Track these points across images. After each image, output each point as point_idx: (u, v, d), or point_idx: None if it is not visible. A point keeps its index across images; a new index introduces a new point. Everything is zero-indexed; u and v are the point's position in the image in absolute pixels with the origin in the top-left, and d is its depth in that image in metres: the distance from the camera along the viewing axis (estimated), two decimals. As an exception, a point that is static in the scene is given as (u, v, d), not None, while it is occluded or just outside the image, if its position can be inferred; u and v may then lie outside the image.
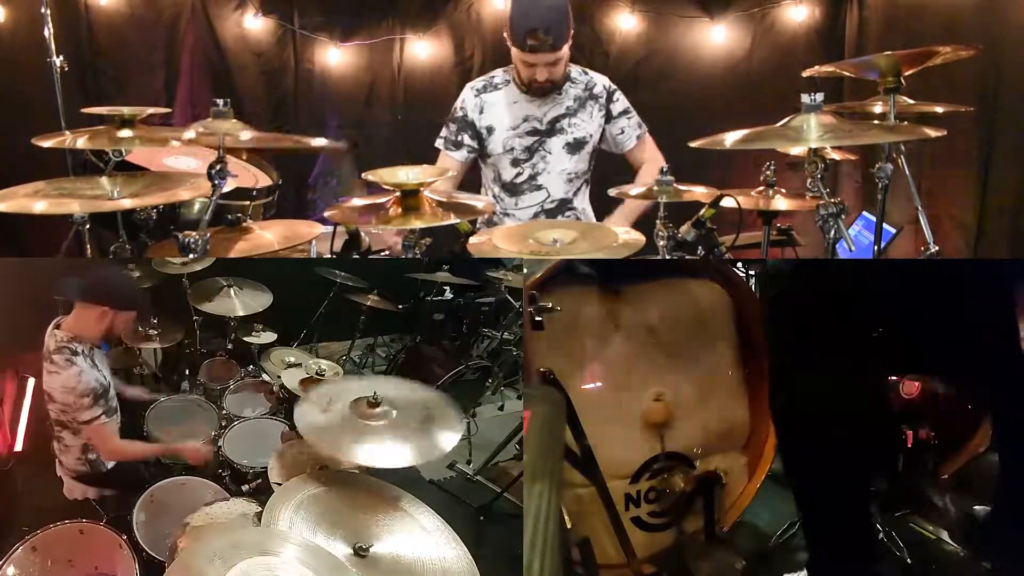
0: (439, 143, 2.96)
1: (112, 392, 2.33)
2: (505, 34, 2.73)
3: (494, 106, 2.89)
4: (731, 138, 1.96)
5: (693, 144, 2.01)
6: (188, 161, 2.71)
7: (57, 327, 2.27)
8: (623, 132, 2.93)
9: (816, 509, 1.91)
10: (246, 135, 1.85)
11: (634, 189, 2.23)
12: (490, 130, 2.89)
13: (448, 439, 1.92)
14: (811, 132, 1.85)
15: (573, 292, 2.02)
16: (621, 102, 2.92)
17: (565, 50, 2.70)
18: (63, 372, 2.19)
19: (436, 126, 3.02)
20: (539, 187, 2.93)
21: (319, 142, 2.27)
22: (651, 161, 2.95)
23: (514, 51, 2.74)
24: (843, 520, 1.88)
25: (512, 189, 2.94)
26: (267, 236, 2.17)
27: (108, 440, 2.26)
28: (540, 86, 2.78)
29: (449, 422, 1.98)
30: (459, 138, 2.91)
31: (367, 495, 1.83)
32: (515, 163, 2.91)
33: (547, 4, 2.65)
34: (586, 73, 2.92)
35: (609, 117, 2.91)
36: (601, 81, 2.91)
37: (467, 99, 2.92)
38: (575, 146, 2.89)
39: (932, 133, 1.92)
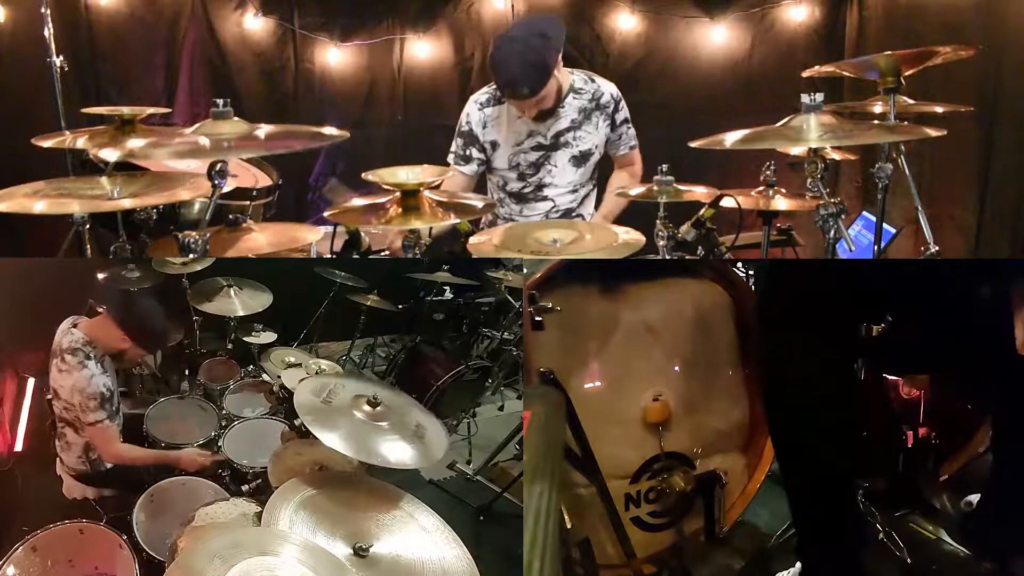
0: (450, 158, 2.94)
1: (116, 397, 2.34)
2: None
3: (497, 121, 2.87)
4: (731, 138, 1.96)
5: (693, 144, 2.00)
6: (188, 161, 2.70)
7: (75, 326, 2.28)
8: (620, 139, 2.93)
9: (811, 509, 1.91)
10: (260, 133, 1.83)
11: (634, 189, 2.23)
12: (494, 145, 2.88)
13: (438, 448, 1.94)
14: (811, 132, 1.85)
15: (573, 292, 2.02)
16: (624, 111, 2.91)
17: (549, 85, 2.66)
18: (74, 372, 2.20)
19: (436, 126, 3.01)
20: (544, 198, 2.93)
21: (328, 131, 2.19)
22: (630, 167, 3.00)
23: None
24: (838, 519, 1.88)
25: (518, 197, 2.94)
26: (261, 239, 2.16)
27: (109, 443, 2.27)
28: (533, 117, 2.80)
29: (437, 437, 2.00)
30: (467, 152, 2.90)
31: (367, 495, 1.83)
32: (521, 177, 2.91)
33: (520, 60, 2.59)
34: (592, 80, 2.87)
35: (613, 125, 2.90)
36: (608, 90, 2.87)
37: (472, 113, 2.89)
38: (581, 159, 2.88)
39: (932, 133, 1.91)
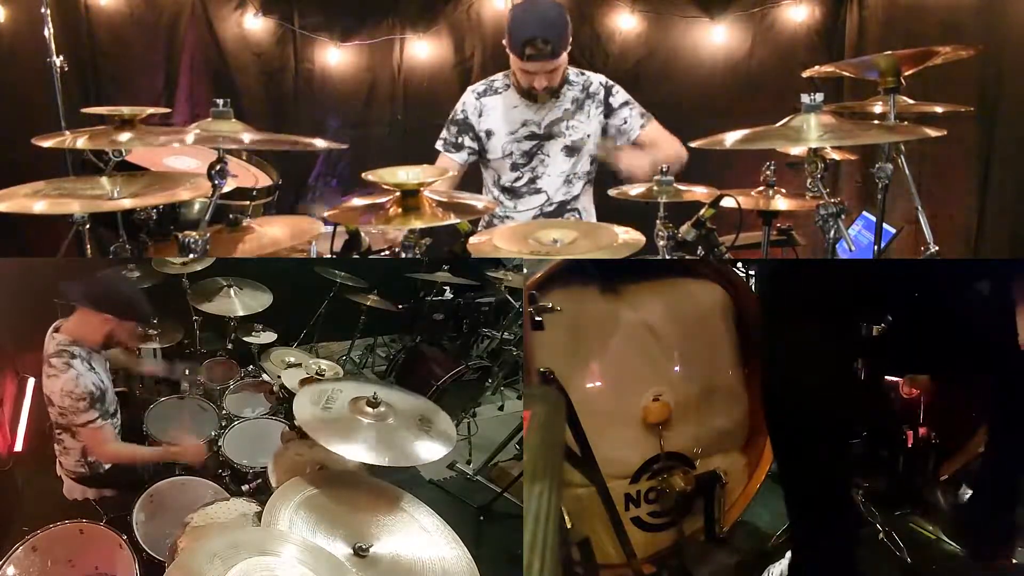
0: (439, 144, 2.96)
1: (110, 396, 2.32)
2: (504, 42, 2.73)
3: (493, 110, 2.89)
4: (731, 138, 1.96)
5: (693, 144, 2.01)
6: (188, 161, 2.71)
7: (56, 330, 2.27)
8: (626, 122, 2.91)
9: (808, 510, 1.91)
10: (246, 137, 1.84)
11: (634, 189, 2.23)
12: (489, 134, 2.90)
13: (439, 449, 1.94)
14: (811, 132, 1.85)
15: (573, 292, 2.02)
16: (620, 95, 2.91)
17: (564, 57, 2.70)
18: (61, 375, 2.19)
19: (436, 127, 3.02)
20: (538, 190, 2.93)
21: (319, 143, 2.24)
22: (664, 140, 2.88)
23: (513, 59, 2.74)
24: (832, 516, 1.88)
25: (512, 192, 2.95)
26: (272, 232, 2.17)
27: (104, 443, 2.26)
28: (539, 93, 2.79)
29: (443, 428, 1.99)
30: (459, 140, 2.92)
31: (367, 495, 1.83)
32: (514, 167, 2.92)
33: (545, 14, 2.65)
34: (583, 74, 2.91)
35: (610, 111, 2.90)
36: (596, 79, 2.91)
37: (467, 102, 2.93)
38: (573, 149, 2.89)
39: (932, 133, 1.91)
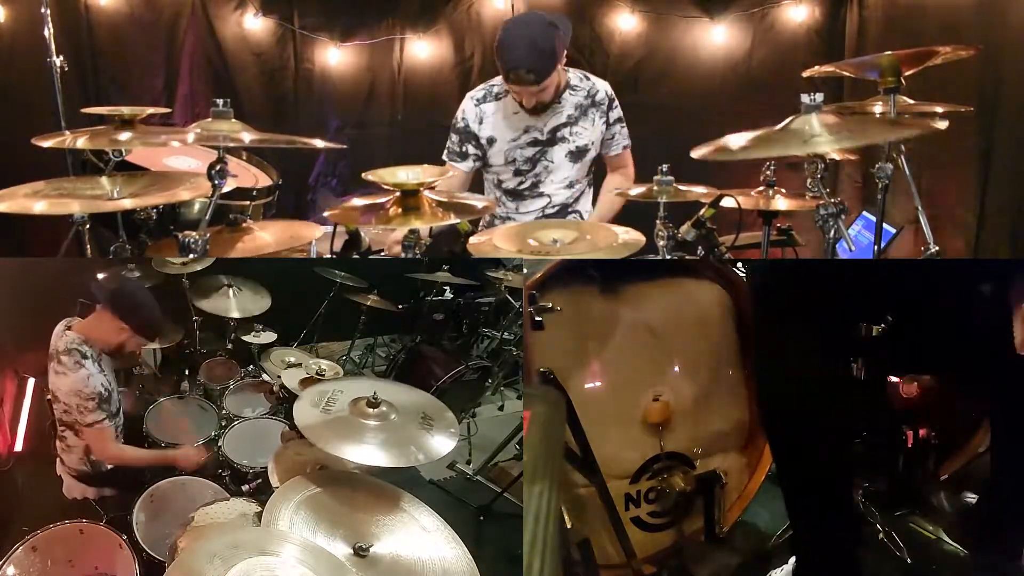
0: (445, 155, 2.95)
1: (115, 396, 2.33)
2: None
3: (494, 117, 2.88)
4: (735, 142, 1.89)
5: (695, 154, 1.95)
6: (188, 161, 2.71)
7: (68, 328, 2.27)
8: (613, 139, 2.94)
9: (807, 509, 1.91)
10: (247, 136, 1.84)
11: (634, 189, 2.23)
12: (491, 141, 2.89)
13: (445, 444, 1.93)
14: (819, 135, 1.77)
15: (573, 292, 2.02)
16: (617, 111, 2.93)
17: (552, 77, 2.69)
18: (71, 374, 2.19)
19: (435, 127, 3.02)
20: (541, 194, 2.93)
21: (319, 143, 2.23)
22: (624, 169, 3.00)
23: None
24: (835, 520, 1.88)
25: (514, 195, 2.94)
26: (265, 237, 2.17)
27: (107, 444, 2.26)
28: (531, 108, 2.80)
29: (446, 425, 1.99)
30: (463, 149, 2.91)
31: (367, 495, 1.83)
32: (518, 173, 2.91)
33: (529, 43, 2.62)
34: (588, 79, 2.90)
35: (607, 123, 2.91)
36: (603, 88, 2.90)
37: (467, 109, 2.91)
38: (577, 154, 2.89)
39: (939, 125, 1.88)
